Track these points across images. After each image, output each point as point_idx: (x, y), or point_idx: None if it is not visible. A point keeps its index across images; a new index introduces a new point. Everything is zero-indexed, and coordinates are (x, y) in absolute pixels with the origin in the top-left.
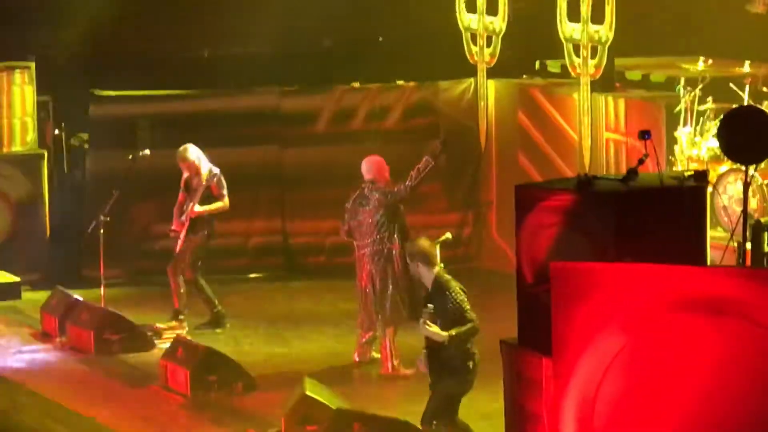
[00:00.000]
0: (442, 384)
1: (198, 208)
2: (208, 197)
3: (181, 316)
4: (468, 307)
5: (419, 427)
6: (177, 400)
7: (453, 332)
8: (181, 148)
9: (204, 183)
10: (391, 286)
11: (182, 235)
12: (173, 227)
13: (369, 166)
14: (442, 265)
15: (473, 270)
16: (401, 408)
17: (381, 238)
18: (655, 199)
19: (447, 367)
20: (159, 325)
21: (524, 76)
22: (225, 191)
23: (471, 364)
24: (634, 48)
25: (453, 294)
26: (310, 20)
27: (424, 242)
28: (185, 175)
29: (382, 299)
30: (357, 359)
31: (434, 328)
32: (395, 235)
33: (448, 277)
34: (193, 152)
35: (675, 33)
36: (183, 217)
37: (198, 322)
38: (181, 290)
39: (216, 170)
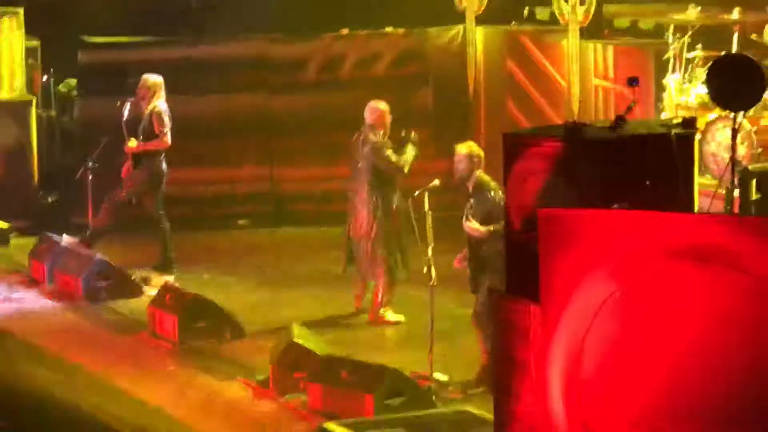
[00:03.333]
0: (486, 281)
1: (133, 144)
2: (151, 134)
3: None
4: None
5: (405, 373)
6: (165, 347)
7: (492, 227)
8: (147, 75)
9: (146, 114)
10: (382, 237)
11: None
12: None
13: (371, 111)
14: (430, 212)
15: (461, 217)
16: (390, 355)
17: (371, 188)
18: (644, 145)
19: (488, 264)
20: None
21: (513, 23)
22: (166, 130)
23: None
24: None
25: (492, 193)
26: None
27: (474, 144)
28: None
29: (376, 249)
30: (357, 307)
31: (474, 224)
32: (384, 187)
33: (488, 177)
34: (154, 81)
35: None
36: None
37: (186, 269)
38: (102, 213)
39: (162, 107)
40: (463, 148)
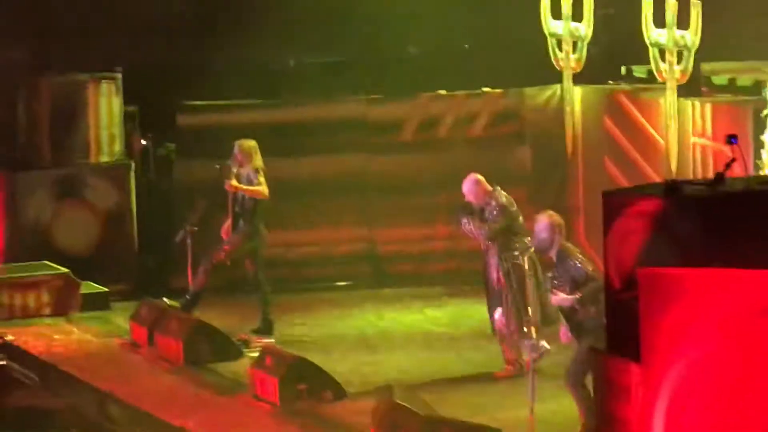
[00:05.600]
0: (583, 342)
1: (234, 183)
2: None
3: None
4: (590, 267)
5: None
6: (266, 409)
7: (578, 295)
8: (242, 140)
9: (245, 175)
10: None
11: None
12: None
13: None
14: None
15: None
16: (492, 415)
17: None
18: (744, 203)
19: (584, 327)
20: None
21: (610, 82)
22: (263, 181)
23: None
24: (720, 52)
25: (576, 261)
26: (396, 28)
27: (554, 213)
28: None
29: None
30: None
31: (561, 295)
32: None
33: (569, 245)
34: (249, 145)
35: (761, 36)
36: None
37: (286, 331)
38: (200, 275)
39: (260, 165)
40: (545, 218)
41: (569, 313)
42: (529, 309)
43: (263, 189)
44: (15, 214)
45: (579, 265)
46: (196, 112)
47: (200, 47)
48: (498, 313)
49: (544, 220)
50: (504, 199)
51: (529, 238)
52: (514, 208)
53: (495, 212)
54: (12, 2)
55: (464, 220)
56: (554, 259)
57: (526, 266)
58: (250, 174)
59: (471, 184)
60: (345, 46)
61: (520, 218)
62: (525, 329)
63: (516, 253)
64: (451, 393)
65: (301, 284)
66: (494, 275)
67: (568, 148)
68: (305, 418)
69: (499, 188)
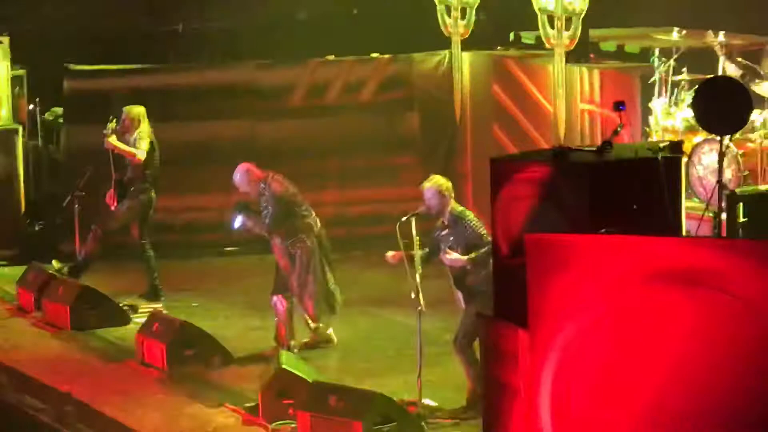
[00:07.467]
0: (471, 307)
1: (113, 141)
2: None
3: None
4: (484, 231)
5: (394, 399)
6: (153, 375)
7: (472, 255)
8: (129, 106)
9: (131, 141)
10: None
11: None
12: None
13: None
14: (418, 238)
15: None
16: (379, 381)
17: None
18: (631, 169)
19: (473, 291)
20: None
21: (498, 48)
22: (143, 147)
23: None
24: (609, 19)
25: (470, 222)
26: None
27: (439, 177)
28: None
29: None
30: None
31: (454, 255)
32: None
33: (461, 207)
34: (138, 111)
35: (649, 3)
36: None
37: (173, 296)
38: (90, 241)
39: (145, 130)
40: (431, 184)
41: (460, 276)
42: (317, 292)
43: (139, 153)
44: None
45: (473, 227)
46: (83, 76)
47: (88, 11)
48: (276, 298)
49: (431, 188)
50: (276, 185)
51: (314, 216)
52: (290, 191)
53: (270, 202)
54: None
55: (240, 221)
56: (446, 222)
57: (313, 246)
58: (137, 140)
59: (241, 175)
60: (233, 12)
61: (299, 198)
62: (313, 313)
63: (302, 236)
64: (339, 359)
65: (189, 250)
66: (281, 262)
67: (456, 114)
68: (193, 383)
69: (272, 174)
